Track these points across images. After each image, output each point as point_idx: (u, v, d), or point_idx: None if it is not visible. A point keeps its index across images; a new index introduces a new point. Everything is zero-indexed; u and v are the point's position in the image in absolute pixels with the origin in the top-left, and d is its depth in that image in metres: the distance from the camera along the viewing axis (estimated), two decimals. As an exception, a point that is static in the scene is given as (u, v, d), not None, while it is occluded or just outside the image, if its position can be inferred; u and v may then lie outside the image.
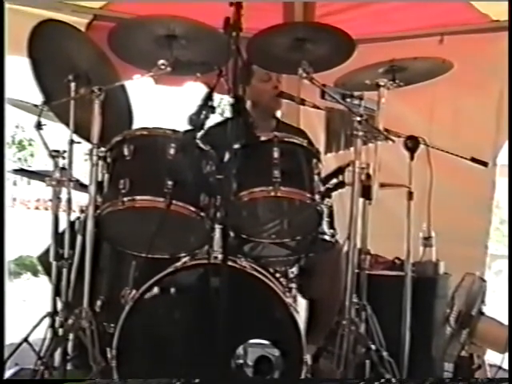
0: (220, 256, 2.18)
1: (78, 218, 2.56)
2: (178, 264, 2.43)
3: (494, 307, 3.25)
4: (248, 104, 2.99)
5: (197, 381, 2.09)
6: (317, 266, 2.87)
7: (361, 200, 2.54)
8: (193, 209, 2.32)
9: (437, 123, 3.90)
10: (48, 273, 2.65)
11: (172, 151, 2.35)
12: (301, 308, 2.88)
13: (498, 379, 2.83)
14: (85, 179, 2.50)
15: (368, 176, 2.54)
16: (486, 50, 3.73)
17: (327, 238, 2.56)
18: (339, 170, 2.64)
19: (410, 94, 3.02)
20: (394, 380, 2.45)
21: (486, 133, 3.84)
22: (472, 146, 3.46)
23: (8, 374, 2.75)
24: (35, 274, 7.15)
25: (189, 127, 2.26)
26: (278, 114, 3.36)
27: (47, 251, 2.65)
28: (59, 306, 2.54)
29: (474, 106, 3.88)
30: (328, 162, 2.86)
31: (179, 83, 3.71)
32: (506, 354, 2.86)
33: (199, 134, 2.35)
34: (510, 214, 3.54)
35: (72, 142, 2.56)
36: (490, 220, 3.90)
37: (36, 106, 2.62)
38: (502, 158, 3.82)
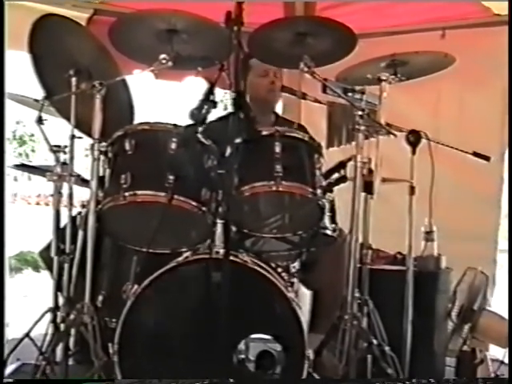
0: (222, 251, 2.18)
1: (80, 213, 2.56)
2: (180, 259, 2.43)
3: (496, 301, 3.24)
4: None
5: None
6: (319, 260, 2.87)
7: (363, 194, 2.54)
8: (194, 203, 2.32)
9: (442, 118, 3.88)
10: (49, 268, 2.65)
11: (173, 146, 2.34)
12: (305, 299, 2.88)
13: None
14: (86, 174, 2.49)
15: (370, 170, 2.53)
16: (489, 44, 3.71)
17: (329, 232, 2.55)
18: (341, 165, 2.63)
19: (414, 89, 3.01)
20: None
21: (492, 128, 3.80)
22: (479, 141, 3.41)
23: (10, 369, 2.75)
24: (36, 269, 7.16)
25: (190, 122, 2.25)
26: (280, 108, 3.34)
27: (48, 246, 2.66)
28: (61, 301, 2.54)
29: (479, 100, 3.86)
30: (331, 156, 2.84)
31: (179, 78, 3.69)
32: (509, 349, 2.86)
33: (200, 129, 2.35)
34: (509, 208, 3.54)
35: (73, 136, 2.56)
36: (499, 216, 3.87)
37: (37, 100, 2.61)
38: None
